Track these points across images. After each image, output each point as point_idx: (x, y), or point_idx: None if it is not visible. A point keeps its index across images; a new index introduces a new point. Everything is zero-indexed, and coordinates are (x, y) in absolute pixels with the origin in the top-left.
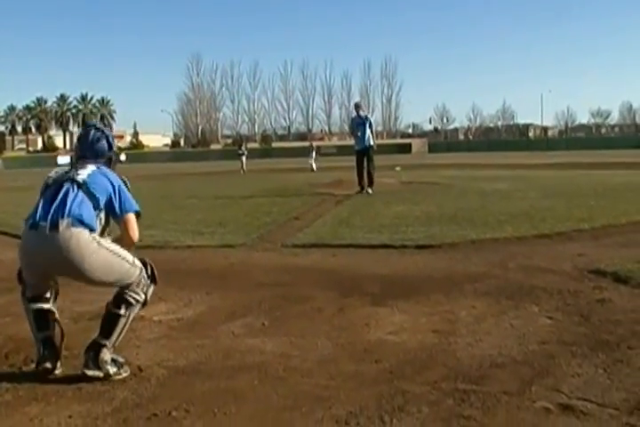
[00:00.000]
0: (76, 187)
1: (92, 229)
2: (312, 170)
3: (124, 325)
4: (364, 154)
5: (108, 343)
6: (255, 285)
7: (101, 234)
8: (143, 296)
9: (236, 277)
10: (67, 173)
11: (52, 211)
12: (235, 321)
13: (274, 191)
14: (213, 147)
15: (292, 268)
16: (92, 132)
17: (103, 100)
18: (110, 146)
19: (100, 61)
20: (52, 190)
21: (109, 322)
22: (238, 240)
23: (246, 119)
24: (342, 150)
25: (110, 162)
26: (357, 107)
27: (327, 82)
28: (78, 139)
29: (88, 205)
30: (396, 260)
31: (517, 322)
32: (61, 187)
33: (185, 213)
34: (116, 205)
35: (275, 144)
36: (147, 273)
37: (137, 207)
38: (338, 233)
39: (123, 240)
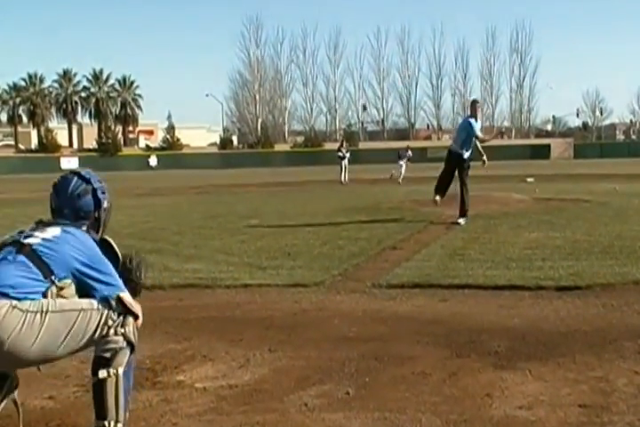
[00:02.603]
0: (17, 251)
1: (19, 299)
2: (398, 182)
3: (117, 389)
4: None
5: (110, 423)
6: (336, 339)
7: None
8: (120, 338)
9: (311, 329)
10: (20, 232)
11: None
12: (308, 389)
13: (362, 211)
14: (279, 148)
15: (387, 316)
16: (75, 181)
17: (125, 79)
18: (98, 203)
19: (119, 28)
20: None
21: (97, 396)
22: (313, 278)
23: (324, 109)
24: None
25: (98, 225)
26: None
27: (436, 59)
28: (54, 187)
29: (27, 271)
30: (529, 306)
31: None
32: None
33: (241, 240)
34: (96, 287)
35: (362, 144)
36: (115, 305)
37: (122, 288)
38: (449, 269)
39: None
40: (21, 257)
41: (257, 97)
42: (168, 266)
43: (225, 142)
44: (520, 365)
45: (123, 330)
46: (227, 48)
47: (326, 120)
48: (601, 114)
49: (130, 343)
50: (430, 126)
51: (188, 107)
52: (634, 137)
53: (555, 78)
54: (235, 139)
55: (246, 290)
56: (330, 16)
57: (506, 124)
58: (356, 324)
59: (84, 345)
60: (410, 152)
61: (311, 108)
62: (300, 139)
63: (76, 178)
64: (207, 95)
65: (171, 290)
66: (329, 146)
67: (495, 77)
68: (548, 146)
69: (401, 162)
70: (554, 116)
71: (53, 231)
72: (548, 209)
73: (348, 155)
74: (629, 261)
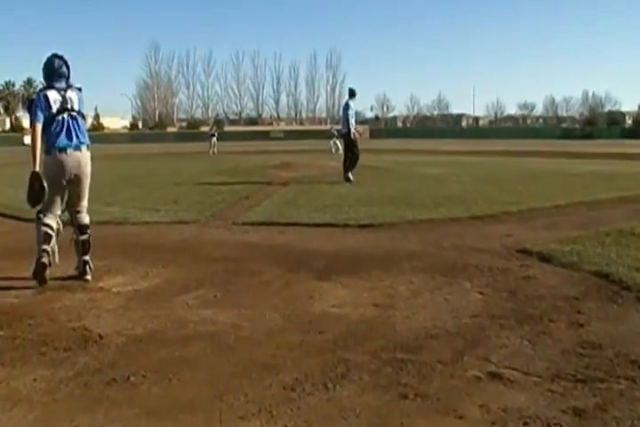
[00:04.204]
0: (78, 117)
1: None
2: (336, 151)
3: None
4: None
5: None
6: (207, 259)
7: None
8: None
9: (190, 252)
10: (63, 103)
11: (73, 138)
12: (188, 293)
13: (226, 172)
14: (169, 129)
15: (242, 244)
16: (57, 60)
17: None
18: (69, 69)
19: (64, 46)
20: (61, 121)
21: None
22: (192, 217)
23: (200, 104)
24: (290, 135)
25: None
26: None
27: (276, 71)
28: (55, 62)
29: (83, 126)
30: (340, 238)
31: (451, 297)
32: (69, 118)
33: (142, 192)
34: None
35: (227, 128)
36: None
37: None
38: (285, 212)
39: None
40: (80, 120)
41: (155, 96)
42: (92, 209)
43: (133, 126)
44: (333, 277)
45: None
46: (136, 62)
47: (202, 111)
48: (387, 109)
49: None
50: (272, 116)
51: (108, 102)
52: (408, 124)
53: (356, 85)
54: (140, 123)
55: (146, 226)
56: (205, 43)
57: (324, 115)
58: (221, 249)
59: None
60: (335, 130)
61: (191, 104)
62: (184, 124)
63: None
64: (122, 95)
65: (95, 225)
66: (204, 128)
67: (316, 84)
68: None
69: (335, 139)
70: (356, 111)
71: (74, 95)
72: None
73: (216, 134)
74: (407, 208)
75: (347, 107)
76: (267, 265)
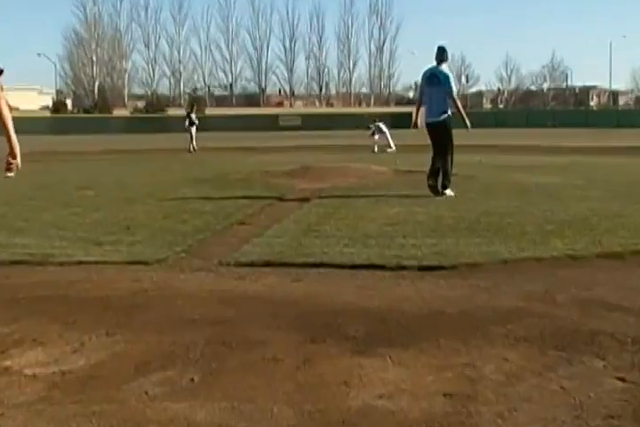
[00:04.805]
0: None
1: None
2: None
3: None
4: (436, 130)
5: None
6: (180, 322)
7: None
8: None
9: (152, 311)
10: None
11: None
12: (149, 376)
13: (209, 182)
14: (117, 113)
15: (236, 297)
16: None
17: None
18: None
19: None
20: None
21: None
22: (155, 254)
23: (167, 72)
24: (310, 121)
25: None
26: (441, 53)
27: (289, 19)
28: None
29: None
30: (390, 287)
31: (572, 384)
32: None
33: (75, 213)
34: None
35: (210, 110)
36: None
37: None
38: (303, 246)
39: None
40: None
41: (94, 57)
42: None
43: (58, 106)
44: (380, 350)
45: None
46: (61, 3)
47: (170, 84)
48: (467, 81)
49: None
50: (282, 92)
51: (16, 67)
52: (501, 106)
53: (416, 43)
54: (69, 102)
55: (81, 268)
56: None
57: (364, 90)
58: (202, 305)
59: None
60: (379, 123)
61: (153, 71)
62: (140, 103)
63: None
64: (39, 55)
65: None
66: (173, 111)
67: (353, 41)
68: (410, 115)
69: (376, 136)
70: (416, 83)
71: None
72: (409, 182)
73: (196, 121)
74: (497, 239)
75: (446, 79)
76: (274, 331)
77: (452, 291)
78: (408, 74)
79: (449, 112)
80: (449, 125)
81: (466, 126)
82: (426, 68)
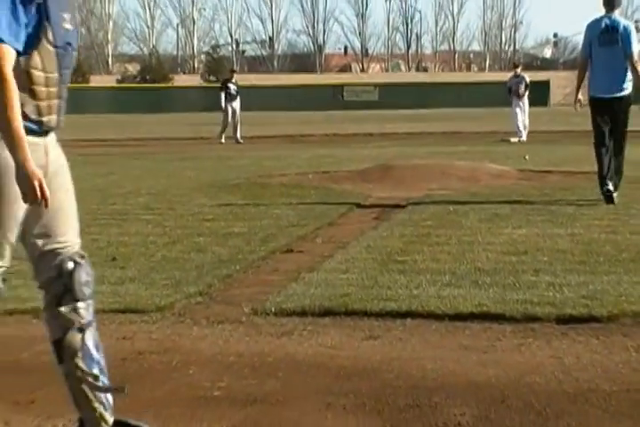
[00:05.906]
0: None
1: None
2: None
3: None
4: (610, 111)
5: None
6: (193, 402)
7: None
8: None
9: (150, 384)
10: None
11: None
12: None
13: (238, 188)
14: (98, 82)
15: (278, 364)
16: None
17: None
18: None
19: None
20: None
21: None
22: (155, 298)
23: (174, 20)
24: (390, 96)
25: None
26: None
27: None
28: None
29: None
30: (513, 349)
31: None
32: None
33: None
34: None
35: (239, 79)
36: None
37: None
38: (381, 285)
39: None
40: None
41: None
42: None
43: None
44: None
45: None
46: None
47: (177, 38)
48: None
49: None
50: (350, 49)
51: None
52: None
53: None
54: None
55: (41, 319)
56: None
57: (476, 47)
58: (227, 375)
59: None
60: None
61: (152, 19)
62: (133, 68)
63: None
64: None
65: None
66: (182, 80)
67: None
68: (547, 83)
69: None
70: (555, 36)
71: None
72: (544, 189)
73: (236, 93)
74: None
75: (628, 36)
76: (336, 416)
77: (611, 356)
78: (543, 22)
79: (630, 85)
80: (629, 104)
81: None
82: (594, 19)
